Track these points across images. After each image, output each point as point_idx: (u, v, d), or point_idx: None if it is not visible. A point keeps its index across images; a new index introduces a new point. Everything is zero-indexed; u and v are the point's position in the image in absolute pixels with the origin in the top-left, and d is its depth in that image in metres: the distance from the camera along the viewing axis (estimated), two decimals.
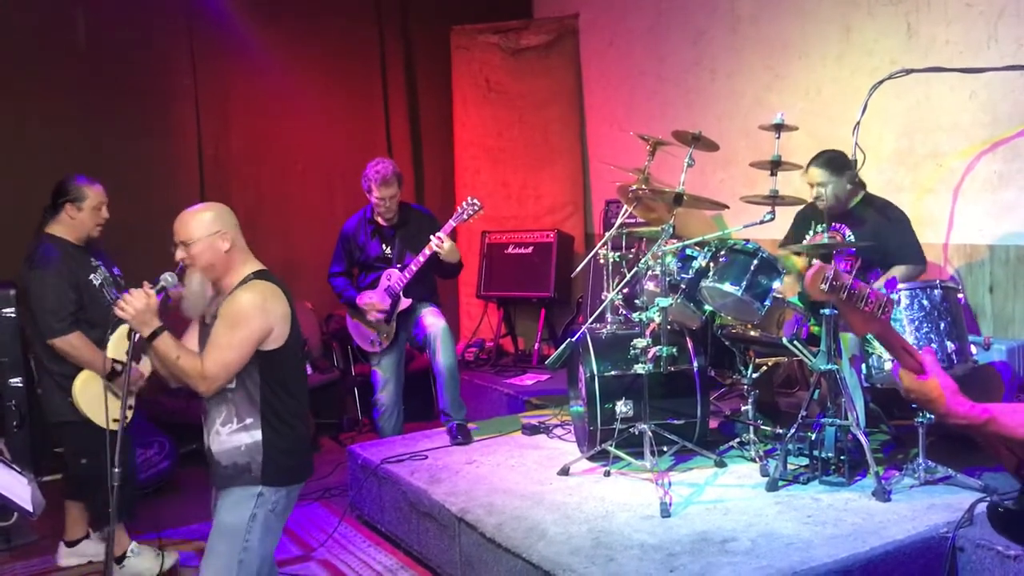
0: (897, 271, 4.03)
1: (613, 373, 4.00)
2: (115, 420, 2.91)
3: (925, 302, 3.55)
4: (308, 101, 6.53)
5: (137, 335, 2.66)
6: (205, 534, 2.87)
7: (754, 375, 4.14)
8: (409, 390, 5.13)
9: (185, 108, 6.12)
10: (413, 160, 7.04)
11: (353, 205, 5.23)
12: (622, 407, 3.95)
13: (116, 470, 2.69)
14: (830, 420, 3.62)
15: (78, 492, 4.00)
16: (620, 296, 4.25)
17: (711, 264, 3.96)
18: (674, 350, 3.92)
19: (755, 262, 3.81)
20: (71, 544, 4.06)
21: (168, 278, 2.74)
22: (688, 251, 4.06)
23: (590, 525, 3.31)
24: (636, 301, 4.26)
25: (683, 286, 3.99)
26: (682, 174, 4.01)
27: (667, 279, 3.95)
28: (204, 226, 2.74)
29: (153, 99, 5.99)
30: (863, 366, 3.74)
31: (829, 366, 3.58)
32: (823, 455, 3.66)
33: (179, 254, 2.75)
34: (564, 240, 6.70)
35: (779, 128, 3.86)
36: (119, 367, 3.58)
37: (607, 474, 3.85)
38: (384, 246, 4.84)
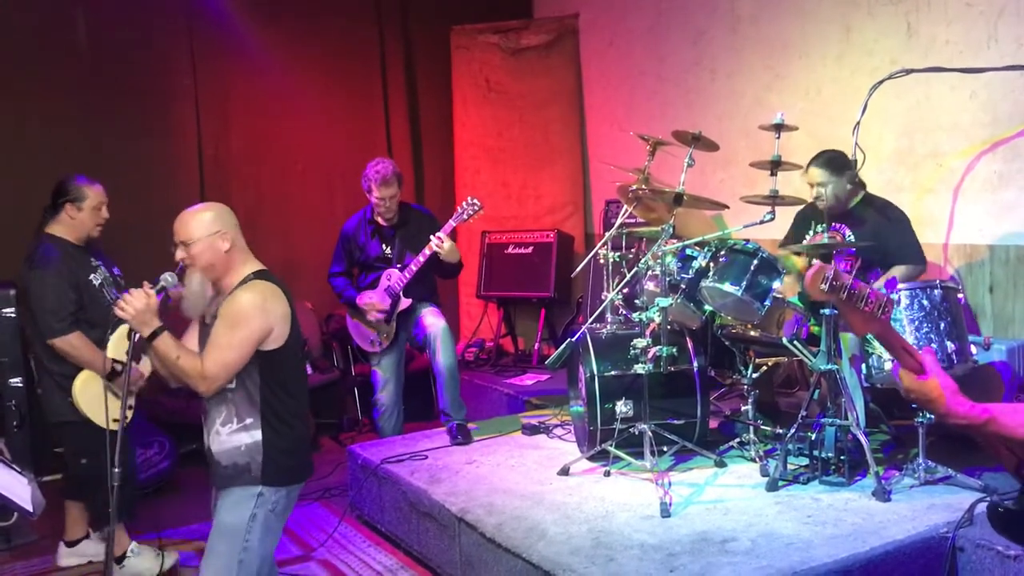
0: (897, 271, 4.03)
1: (613, 373, 4.00)
2: (115, 420, 2.91)
3: (925, 302, 3.55)
4: (308, 101, 6.53)
5: (137, 335, 2.66)
6: (205, 534, 2.87)
7: (754, 375, 4.14)
8: (409, 390, 5.13)
9: (185, 108, 6.12)
10: (413, 160, 7.04)
11: (353, 205, 5.23)
12: (622, 407, 3.95)
13: (116, 470, 2.69)
14: (830, 420, 3.62)
15: (78, 492, 4.00)
16: (620, 296, 4.25)
17: (711, 264, 3.96)
18: (674, 350, 3.92)
19: (755, 262, 3.81)
20: (71, 544, 4.06)
21: (168, 278, 2.74)
22: (688, 251, 4.06)
23: (590, 525, 3.31)
24: (636, 301, 4.26)
25: (683, 286, 3.99)
26: (682, 174, 4.01)
27: (667, 279, 3.95)
28: (204, 226, 2.74)
29: (153, 99, 5.99)
30: (863, 366, 3.74)
31: (829, 366, 3.58)
32: (823, 455, 3.66)
33: (179, 254, 2.75)
34: (564, 240, 6.70)
35: (779, 128, 3.86)
36: (119, 367, 3.58)
37: (607, 474, 3.85)
38: (384, 246, 4.84)
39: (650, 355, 3.83)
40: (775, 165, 3.89)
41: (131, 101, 5.84)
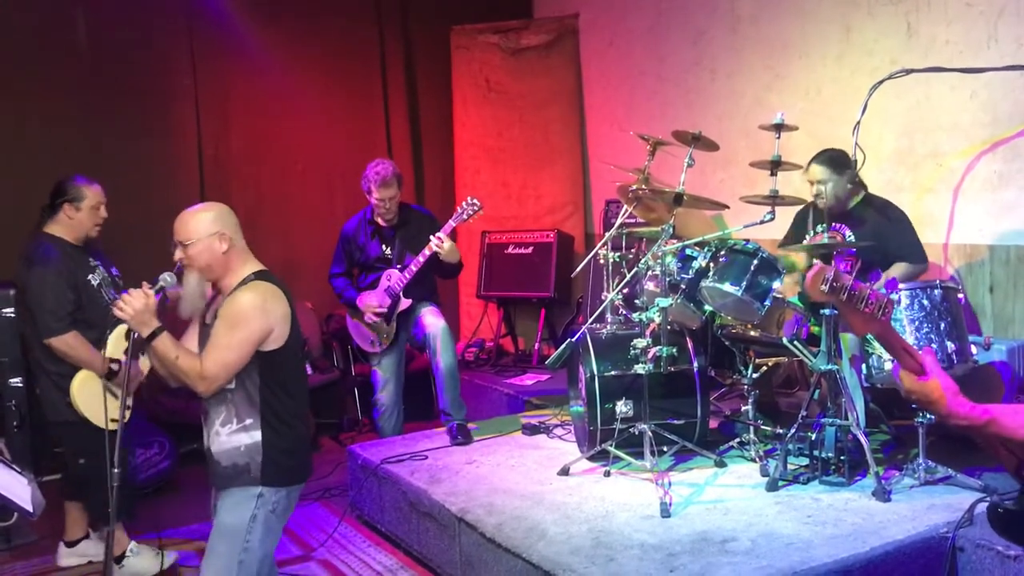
0: (898, 268, 4.02)
1: (613, 373, 3.99)
2: (113, 420, 2.91)
3: (925, 302, 3.55)
4: (308, 101, 6.53)
5: (136, 335, 2.66)
6: (205, 534, 2.87)
7: (754, 375, 4.14)
8: (409, 390, 5.13)
9: (185, 108, 6.12)
10: (413, 160, 7.04)
11: (353, 205, 5.23)
12: (622, 407, 3.95)
13: (116, 470, 2.69)
14: (830, 420, 3.62)
15: (78, 492, 4.00)
16: (620, 296, 4.25)
17: (711, 264, 3.96)
18: (674, 350, 3.92)
19: (755, 262, 3.81)
20: (71, 544, 4.06)
21: (167, 278, 2.74)
22: (688, 251, 4.05)
23: (590, 525, 3.31)
24: (636, 301, 4.26)
25: (683, 286, 3.99)
26: (682, 174, 4.00)
27: (667, 279, 3.94)
28: (203, 226, 2.73)
29: (153, 99, 5.99)
30: (863, 366, 3.74)
31: (829, 366, 3.58)
32: (823, 455, 3.66)
33: (177, 254, 2.75)
34: (564, 240, 6.70)
35: (779, 128, 3.86)
36: (116, 367, 3.58)
37: (607, 474, 3.85)
38: (384, 247, 4.84)
39: (650, 355, 3.83)
40: (775, 165, 3.89)
41: (131, 101, 5.84)
